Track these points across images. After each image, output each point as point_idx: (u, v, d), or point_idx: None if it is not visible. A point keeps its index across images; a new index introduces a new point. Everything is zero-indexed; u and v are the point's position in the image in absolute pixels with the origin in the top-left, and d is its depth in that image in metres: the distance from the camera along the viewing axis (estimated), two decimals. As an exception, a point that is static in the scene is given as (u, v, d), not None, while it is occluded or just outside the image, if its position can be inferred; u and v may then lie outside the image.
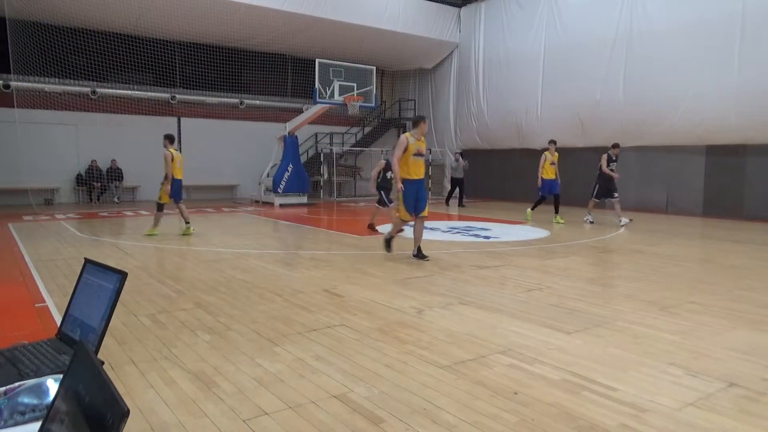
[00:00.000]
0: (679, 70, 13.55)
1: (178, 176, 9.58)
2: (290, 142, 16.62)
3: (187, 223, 9.87)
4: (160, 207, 9.69)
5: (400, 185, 7.15)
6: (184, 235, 9.64)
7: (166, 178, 9.46)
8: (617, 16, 14.95)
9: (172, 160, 9.37)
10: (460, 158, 16.40)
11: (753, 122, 12.29)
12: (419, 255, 7.39)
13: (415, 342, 3.97)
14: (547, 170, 12.19)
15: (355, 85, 16.43)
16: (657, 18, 14.08)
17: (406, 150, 7.13)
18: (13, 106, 13.87)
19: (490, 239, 9.57)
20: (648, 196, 15.01)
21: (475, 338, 4.07)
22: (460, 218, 13.79)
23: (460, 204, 16.37)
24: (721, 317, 4.70)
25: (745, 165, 13.10)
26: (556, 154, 12.34)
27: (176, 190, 9.58)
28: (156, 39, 16.53)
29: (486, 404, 2.94)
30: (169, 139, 9.57)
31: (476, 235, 10.05)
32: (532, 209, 12.68)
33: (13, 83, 14.59)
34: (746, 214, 12.86)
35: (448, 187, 21.28)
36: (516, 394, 3.07)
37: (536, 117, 17.45)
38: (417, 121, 7.37)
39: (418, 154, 7.20)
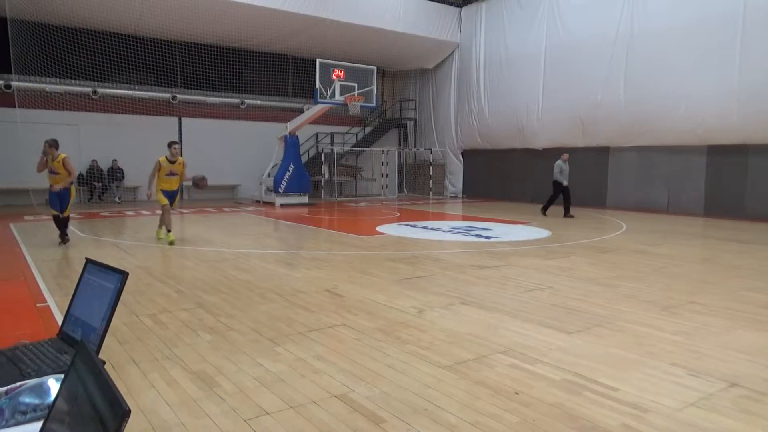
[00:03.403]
0: (679, 70, 13.54)
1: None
2: (291, 142, 16.63)
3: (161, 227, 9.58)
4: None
5: None
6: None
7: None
8: (618, 16, 14.95)
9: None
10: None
11: (754, 122, 12.28)
12: None
13: (416, 342, 3.97)
14: None
15: (355, 85, 16.43)
16: (657, 18, 14.07)
17: None
18: (15, 106, 13.89)
19: (491, 239, 9.56)
20: (649, 196, 14.99)
21: (476, 338, 4.07)
22: (463, 218, 13.79)
23: (567, 214, 12.91)
24: (723, 317, 4.69)
25: (747, 165, 13.08)
26: None
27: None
28: (157, 39, 16.54)
29: (487, 404, 2.93)
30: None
31: (477, 235, 10.05)
32: None
33: (14, 83, 14.61)
34: (748, 214, 12.84)
35: (450, 187, 21.34)
36: (517, 394, 3.07)
37: (537, 117, 17.44)
38: None
39: None
